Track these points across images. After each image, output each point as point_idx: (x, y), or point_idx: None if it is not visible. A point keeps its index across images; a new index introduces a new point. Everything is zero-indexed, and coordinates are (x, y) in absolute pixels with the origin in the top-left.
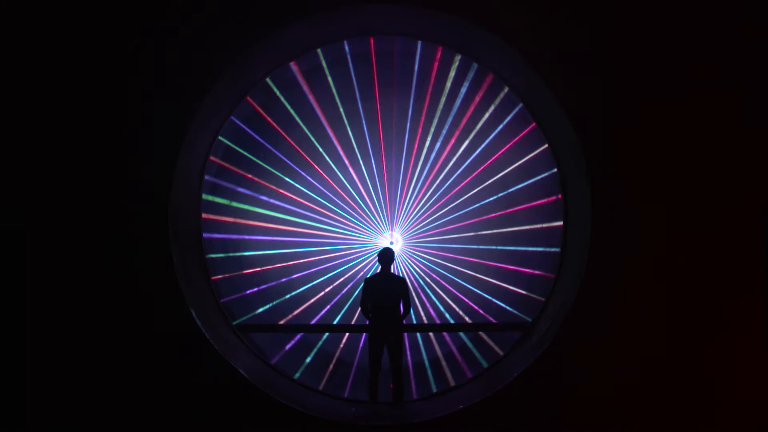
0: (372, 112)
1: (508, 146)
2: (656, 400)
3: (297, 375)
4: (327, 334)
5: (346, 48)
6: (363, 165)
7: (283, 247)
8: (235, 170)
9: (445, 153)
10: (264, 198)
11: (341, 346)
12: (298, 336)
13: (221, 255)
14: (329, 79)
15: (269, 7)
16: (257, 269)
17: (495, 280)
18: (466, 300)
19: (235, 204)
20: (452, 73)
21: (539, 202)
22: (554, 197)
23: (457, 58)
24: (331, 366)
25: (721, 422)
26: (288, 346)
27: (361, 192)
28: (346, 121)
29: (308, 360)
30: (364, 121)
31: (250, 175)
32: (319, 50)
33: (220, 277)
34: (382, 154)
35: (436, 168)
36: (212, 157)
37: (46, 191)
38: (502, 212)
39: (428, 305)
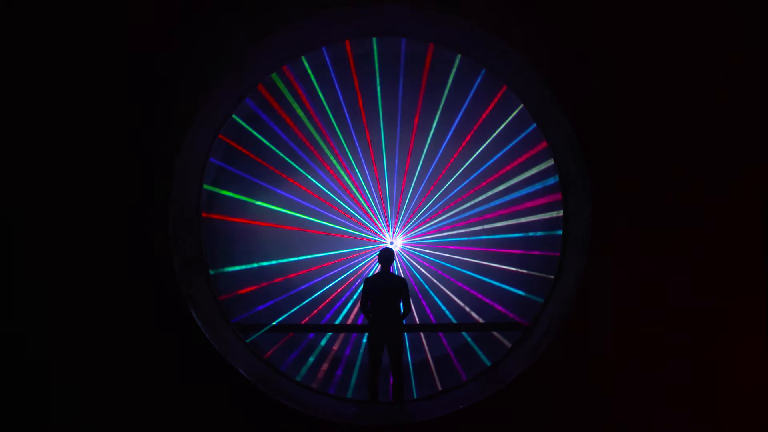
0: (371, 112)
1: (514, 163)
2: (657, 400)
3: (299, 377)
4: (330, 335)
5: (328, 51)
6: (361, 165)
7: (283, 247)
8: (242, 149)
9: (443, 152)
10: (268, 186)
11: (342, 346)
12: (307, 339)
13: (223, 270)
14: (312, 82)
15: (276, 5)
16: (262, 284)
17: (495, 278)
18: (475, 292)
19: (236, 196)
20: (452, 74)
21: (540, 201)
22: (554, 193)
23: (458, 58)
24: (331, 366)
25: (722, 422)
26: (296, 351)
27: (360, 192)
28: (337, 122)
29: (311, 360)
30: (348, 122)
31: (255, 156)
32: (298, 57)
33: (227, 296)
34: (371, 154)
35: (433, 167)
36: (222, 135)
37: (45, 191)
38: (503, 211)
39: (427, 305)
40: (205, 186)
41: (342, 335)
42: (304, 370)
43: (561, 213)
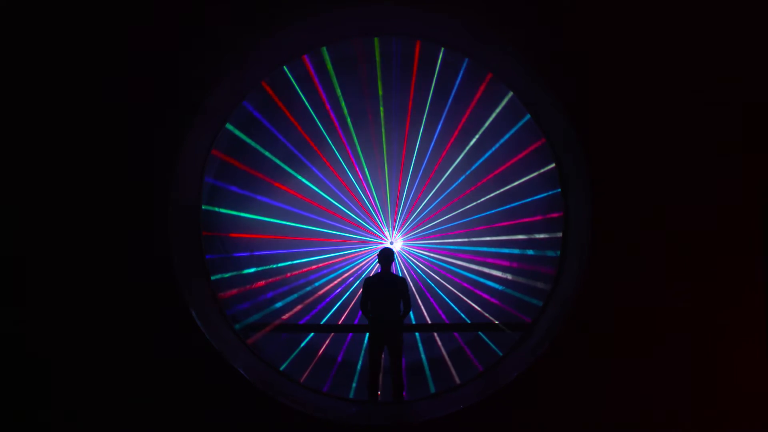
0: (371, 112)
1: (513, 161)
2: (656, 400)
3: (282, 367)
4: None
5: (327, 51)
6: (360, 165)
7: (284, 247)
8: (237, 163)
9: (443, 152)
10: (264, 199)
11: (331, 347)
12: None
13: (225, 275)
14: (310, 83)
15: (273, 6)
16: (262, 282)
17: (496, 277)
18: (477, 290)
19: (233, 212)
20: (437, 69)
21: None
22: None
23: (452, 54)
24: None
25: (722, 422)
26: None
27: (360, 192)
28: (344, 121)
29: (294, 354)
30: (347, 122)
31: (251, 169)
32: (297, 56)
33: (228, 295)
34: (373, 153)
35: (433, 166)
36: (215, 150)
37: (45, 191)
38: (503, 222)
39: (431, 304)
40: (203, 206)
41: (331, 337)
42: (287, 362)
43: (561, 234)
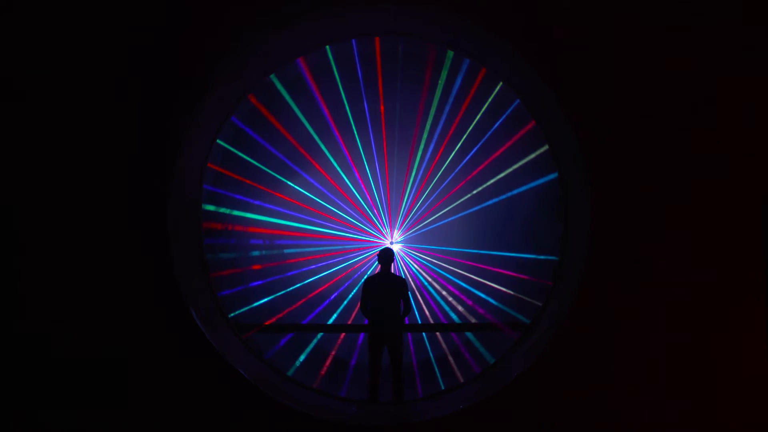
0: (372, 112)
1: (505, 146)
2: (656, 400)
3: (290, 372)
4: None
5: (331, 51)
6: (361, 166)
7: (283, 251)
8: (234, 175)
9: (441, 151)
10: (262, 204)
11: (343, 350)
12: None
13: (223, 261)
14: (307, 84)
15: (273, 7)
16: (259, 273)
17: (495, 278)
18: (469, 299)
19: (234, 212)
20: (445, 71)
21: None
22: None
23: (450, 55)
24: (336, 367)
25: (722, 422)
26: (282, 343)
27: (360, 193)
28: (347, 122)
29: (302, 357)
30: (350, 123)
31: (248, 180)
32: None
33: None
34: (377, 154)
35: (433, 167)
36: (210, 164)
37: (44, 191)
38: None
39: (426, 305)
40: (204, 206)
41: (341, 341)
42: (297, 363)
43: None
